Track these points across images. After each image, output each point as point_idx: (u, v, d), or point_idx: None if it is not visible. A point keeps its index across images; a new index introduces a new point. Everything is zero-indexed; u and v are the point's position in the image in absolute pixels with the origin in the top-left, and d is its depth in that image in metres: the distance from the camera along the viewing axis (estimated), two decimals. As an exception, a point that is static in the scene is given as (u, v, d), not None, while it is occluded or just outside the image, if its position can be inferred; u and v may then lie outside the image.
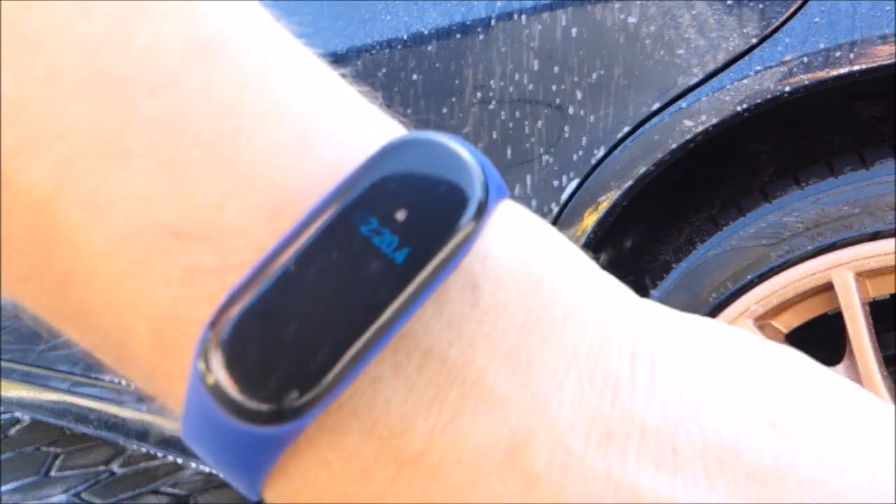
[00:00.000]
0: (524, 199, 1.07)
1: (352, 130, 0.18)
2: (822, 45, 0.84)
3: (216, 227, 0.16)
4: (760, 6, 0.89)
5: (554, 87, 1.05)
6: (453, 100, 1.14)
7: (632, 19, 0.98)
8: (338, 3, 1.26)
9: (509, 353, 0.16)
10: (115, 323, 0.17)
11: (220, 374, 0.15)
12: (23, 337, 2.18)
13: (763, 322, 0.96)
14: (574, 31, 1.03)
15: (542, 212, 1.07)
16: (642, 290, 1.06)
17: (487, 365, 0.16)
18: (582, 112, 1.03)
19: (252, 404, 0.15)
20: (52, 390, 2.15)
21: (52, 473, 2.41)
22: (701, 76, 0.93)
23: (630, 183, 0.99)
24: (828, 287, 0.91)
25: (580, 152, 1.03)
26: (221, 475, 0.17)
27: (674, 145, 0.95)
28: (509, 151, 1.10)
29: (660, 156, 0.96)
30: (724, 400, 0.17)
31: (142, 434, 1.88)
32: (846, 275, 0.89)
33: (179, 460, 1.79)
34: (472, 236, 0.16)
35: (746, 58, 0.90)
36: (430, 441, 0.16)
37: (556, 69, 1.05)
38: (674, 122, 0.94)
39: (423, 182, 0.17)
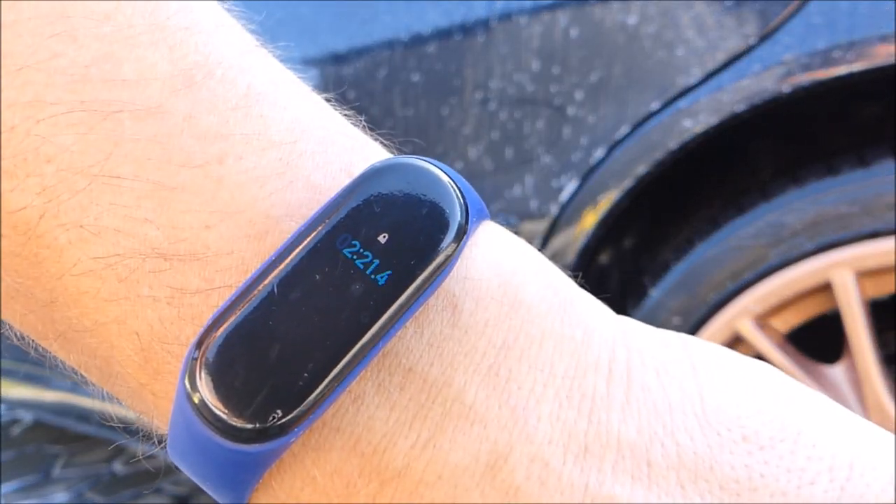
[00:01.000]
0: (524, 200, 1.07)
1: (335, 154, 0.18)
2: (821, 45, 0.84)
3: (202, 249, 0.17)
4: (759, 6, 0.89)
5: (553, 88, 1.05)
6: (453, 100, 1.14)
7: (631, 20, 0.98)
8: (338, 3, 1.26)
9: (489, 371, 0.17)
10: (102, 342, 0.18)
11: (205, 392, 0.16)
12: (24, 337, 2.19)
13: (762, 322, 0.96)
14: (574, 31, 1.03)
15: (541, 212, 1.07)
16: (642, 291, 1.06)
17: (468, 383, 0.17)
18: (581, 112, 1.03)
19: (236, 423, 0.16)
20: (53, 390, 2.16)
21: (54, 473, 2.41)
22: (700, 76, 0.93)
23: (630, 183, 0.99)
24: (827, 287, 0.91)
25: (580, 152, 1.03)
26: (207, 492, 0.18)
27: (673, 145, 0.95)
28: (509, 152, 1.10)
29: (659, 156, 0.96)
30: (697, 413, 0.17)
31: (143, 434, 1.88)
32: (845, 275, 0.89)
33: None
34: (452, 259, 0.17)
35: (746, 58, 0.90)
36: (411, 457, 0.16)
37: (555, 70, 1.05)
38: (673, 123, 0.94)
39: (404, 206, 0.17)
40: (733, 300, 0.97)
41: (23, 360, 2.29)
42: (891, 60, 0.80)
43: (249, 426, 0.16)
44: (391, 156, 0.19)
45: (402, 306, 0.16)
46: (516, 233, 0.19)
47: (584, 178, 1.03)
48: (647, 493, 0.16)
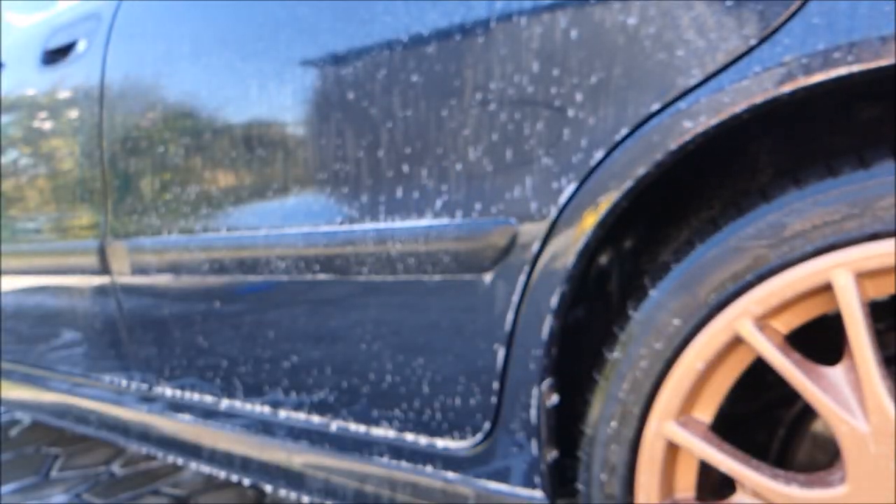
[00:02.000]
0: (523, 201, 1.07)
1: None
2: (821, 46, 0.84)
3: None
4: (759, 7, 0.89)
5: (553, 89, 1.05)
6: (453, 101, 1.14)
7: (631, 20, 0.98)
8: (338, 3, 1.26)
9: None
10: None
11: None
12: (23, 337, 2.18)
13: (763, 323, 0.96)
14: (573, 32, 1.02)
15: (541, 213, 1.06)
16: (642, 291, 1.06)
17: None
18: (581, 114, 1.03)
19: None
20: (52, 391, 2.15)
21: (53, 474, 2.41)
22: (700, 77, 0.93)
23: (629, 184, 0.99)
24: (828, 288, 0.91)
25: (580, 154, 1.03)
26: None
27: (673, 146, 0.94)
28: (508, 153, 1.09)
29: (659, 157, 0.95)
30: None
31: (142, 435, 1.88)
32: (846, 275, 0.88)
33: (180, 461, 1.79)
34: None
35: (745, 59, 0.90)
36: None
37: (555, 71, 1.04)
38: (673, 124, 0.94)
39: None
40: (734, 301, 0.97)
41: (21, 361, 2.29)
42: (891, 60, 0.80)
43: None
44: None
45: None
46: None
47: (584, 180, 1.03)
48: None
